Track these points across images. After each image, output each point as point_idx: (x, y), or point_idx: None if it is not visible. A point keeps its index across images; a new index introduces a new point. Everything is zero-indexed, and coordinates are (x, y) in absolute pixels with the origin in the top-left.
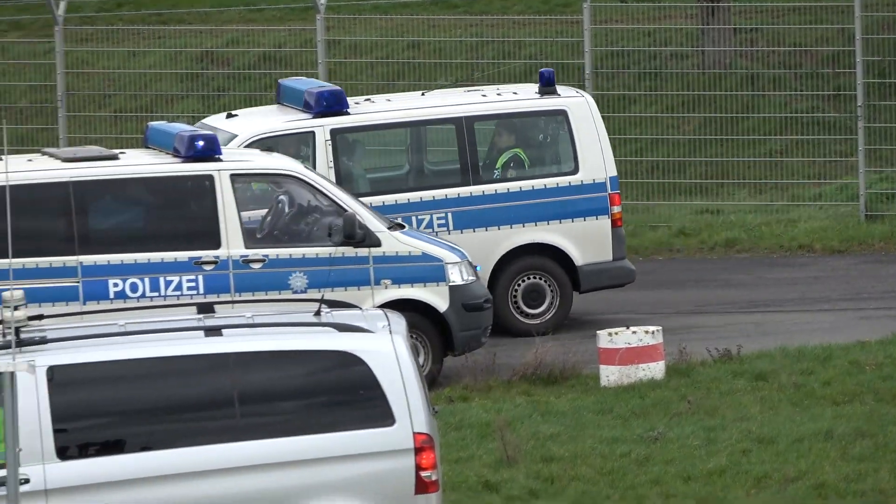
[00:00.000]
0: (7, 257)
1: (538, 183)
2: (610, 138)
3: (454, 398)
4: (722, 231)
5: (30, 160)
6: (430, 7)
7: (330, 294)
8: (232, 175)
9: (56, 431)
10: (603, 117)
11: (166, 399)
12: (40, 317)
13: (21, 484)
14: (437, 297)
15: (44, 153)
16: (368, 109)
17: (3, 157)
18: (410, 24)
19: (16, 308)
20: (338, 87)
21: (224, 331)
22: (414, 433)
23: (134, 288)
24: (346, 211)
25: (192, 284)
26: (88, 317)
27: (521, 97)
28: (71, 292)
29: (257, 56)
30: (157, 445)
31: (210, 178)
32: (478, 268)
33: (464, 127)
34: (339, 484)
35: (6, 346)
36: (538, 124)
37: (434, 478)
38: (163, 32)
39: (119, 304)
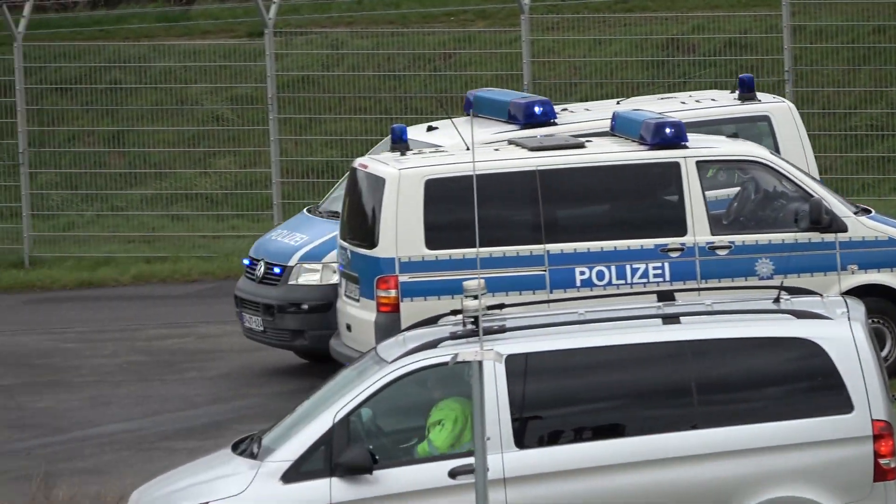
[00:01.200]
0: (475, 246)
1: None
2: None
3: None
4: None
5: (496, 149)
6: None
7: (796, 280)
8: (698, 162)
9: (514, 420)
10: None
11: (623, 388)
12: (501, 306)
13: None
14: None
15: (511, 142)
16: (575, 119)
17: (469, 146)
18: (875, 8)
19: (475, 297)
20: (545, 98)
21: (682, 318)
22: (872, 420)
23: (600, 276)
24: (812, 196)
25: (658, 272)
26: (550, 305)
27: (723, 103)
28: (538, 281)
29: (722, 42)
30: (614, 434)
31: (676, 165)
32: None
33: None
34: (795, 472)
35: (466, 335)
36: (742, 131)
37: (893, 465)
38: (628, 20)
39: (585, 292)
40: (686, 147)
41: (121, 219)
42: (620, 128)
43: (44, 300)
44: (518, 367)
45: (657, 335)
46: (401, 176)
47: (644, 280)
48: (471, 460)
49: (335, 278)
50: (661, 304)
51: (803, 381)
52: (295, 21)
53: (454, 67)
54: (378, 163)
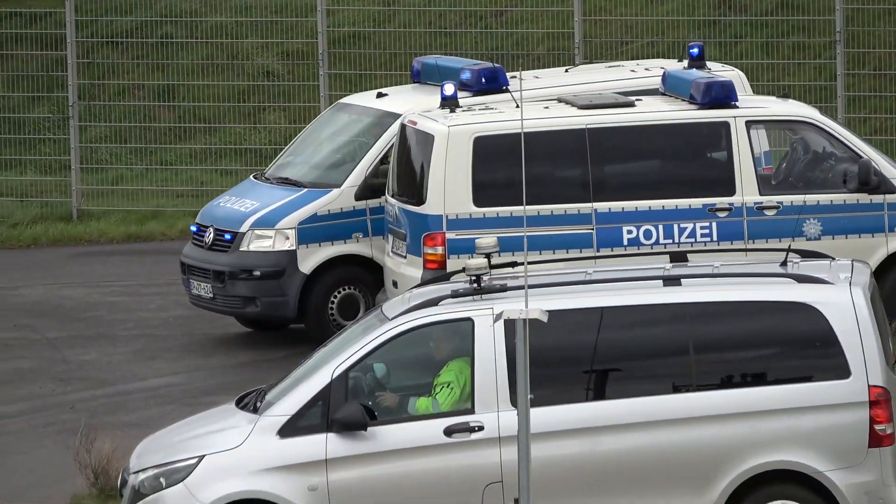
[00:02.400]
0: (522, 204)
1: None
2: None
3: None
4: None
5: (546, 107)
6: None
7: (843, 242)
8: (747, 121)
9: (511, 379)
10: None
11: (621, 349)
12: (513, 264)
13: (474, 431)
14: None
15: (560, 100)
16: (526, 87)
17: (518, 104)
18: None
19: (488, 255)
20: (497, 65)
21: (683, 281)
22: (869, 386)
23: (647, 235)
24: (861, 157)
25: (706, 231)
26: (563, 265)
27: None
28: (585, 239)
29: (774, 2)
30: (611, 395)
31: (726, 124)
32: None
33: None
34: (791, 436)
35: (468, 293)
36: None
37: (889, 431)
38: None
39: (632, 251)
40: (736, 107)
41: (169, 173)
42: (670, 87)
43: (91, 254)
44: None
45: (656, 297)
46: (450, 132)
47: (691, 239)
48: (466, 418)
49: (288, 244)
50: (670, 265)
51: (801, 346)
52: None
53: (506, 25)
54: (427, 119)
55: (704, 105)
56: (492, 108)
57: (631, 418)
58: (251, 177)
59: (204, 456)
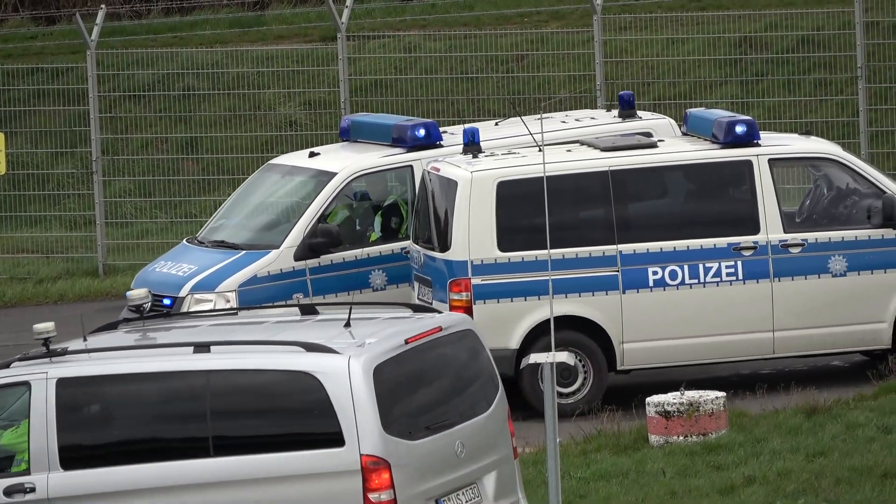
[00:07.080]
0: (547, 248)
1: None
2: None
3: None
4: None
5: (569, 150)
6: None
7: (868, 277)
8: (770, 160)
9: (60, 441)
10: None
11: (151, 414)
12: (167, 314)
13: (27, 492)
14: None
15: (582, 143)
16: (456, 142)
17: (540, 148)
18: None
19: (139, 306)
20: (431, 121)
21: (213, 347)
22: (361, 455)
23: (673, 275)
24: (885, 193)
25: (731, 270)
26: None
27: (604, 121)
28: (611, 281)
29: (795, 40)
30: (143, 459)
31: (749, 163)
32: None
33: None
34: (283, 502)
35: (36, 356)
36: None
37: (384, 499)
38: (701, 19)
39: (658, 292)
40: (758, 145)
41: (195, 225)
42: (692, 127)
43: (118, 308)
44: (65, 390)
45: (178, 363)
46: (473, 178)
47: (717, 279)
48: (21, 479)
49: (228, 307)
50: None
51: (302, 414)
52: (368, 25)
53: (527, 69)
54: (450, 165)
55: (727, 144)
56: (514, 153)
57: (157, 483)
58: (184, 240)
59: None
